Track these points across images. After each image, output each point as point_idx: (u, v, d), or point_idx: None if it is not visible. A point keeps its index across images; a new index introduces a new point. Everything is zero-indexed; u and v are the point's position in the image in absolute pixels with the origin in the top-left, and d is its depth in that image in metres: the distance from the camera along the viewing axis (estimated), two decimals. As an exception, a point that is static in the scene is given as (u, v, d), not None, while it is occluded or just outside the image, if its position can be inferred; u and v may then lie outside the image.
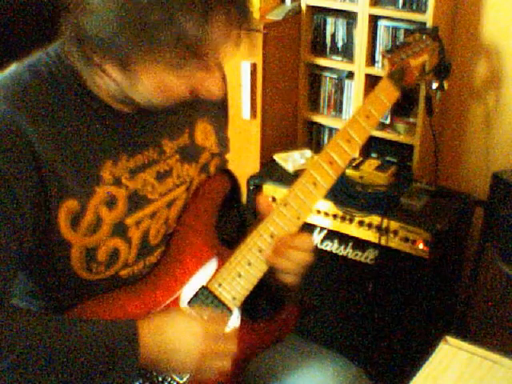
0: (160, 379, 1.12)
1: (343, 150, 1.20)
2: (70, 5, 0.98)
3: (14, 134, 0.98)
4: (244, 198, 2.25)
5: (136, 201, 1.11)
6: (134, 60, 0.97)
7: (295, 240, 1.17)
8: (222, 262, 1.18)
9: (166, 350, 1.05)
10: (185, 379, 1.14)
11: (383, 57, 1.34)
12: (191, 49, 0.96)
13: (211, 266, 1.19)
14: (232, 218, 1.30)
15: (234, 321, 1.19)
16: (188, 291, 1.17)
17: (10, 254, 1.00)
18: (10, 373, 0.95)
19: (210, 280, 1.18)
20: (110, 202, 1.08)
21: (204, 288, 1.17)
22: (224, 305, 1.16)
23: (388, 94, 1.27)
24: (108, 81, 1.03)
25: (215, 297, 1.16)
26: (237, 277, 1.17)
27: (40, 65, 1.05)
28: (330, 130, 2.57)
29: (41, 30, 1.17)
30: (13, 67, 1.06)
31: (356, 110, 1.25)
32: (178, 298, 1.16)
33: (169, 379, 1.13)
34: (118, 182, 1.09)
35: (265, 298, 1.27)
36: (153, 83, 1.01)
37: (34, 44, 1.09)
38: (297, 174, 2.14)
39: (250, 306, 1.21)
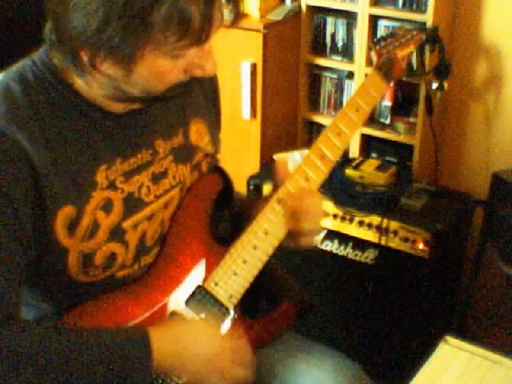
0: (160, 382, 1.12)
1: (334, 144, 1.21)
2: (51, 8, 0.96)
3: (8, 145, 0.98)
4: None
5: (132, 204, 1.11)
6: (127, 49, 0.94)
7: (306, 202, 1.18)
8: (217, 261, 1.18)
9: (179, 357, 1.06)
10: (183, 380, 1.14)
11: (370, 49, 1.35)
12: (191, 33, 0.94)
13: (206, 264, 1.19)
14: (225, 216, 1.30)
15: (228, 320, 1.19)
16: (183, 290, 1.17)
17: (14, 261, 1.00)
18: (25, 382, 0.97)
19: (206, 279, 1.18)
20: (107, 206, 1.07)
21: (200, 287, 1.17)
22: (221, 304, 1.17)
23: (377, 86, 1.28)
24: (101, 78, 1.00)
25: (212, 296, 1.16)
26: (232, 275, 1.17)
27: (27, 74, 1.04)
28: (330, 129, 2.57)
29: (24, 37, 1.15)
30: None
31: (346, 104, 1.25)
32: (166, 304, 1.16)
33: (168, 380, 1.13)
34: (112, 185, 1.08)
35: (261, 295, 1.27)
36: (149, 70, 0.98)
37: (18, 51, 1.08)
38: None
39: (246, 304, 1.21)
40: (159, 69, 0.99)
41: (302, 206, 1.17)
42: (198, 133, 1.23)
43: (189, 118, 1.22)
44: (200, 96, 1.26)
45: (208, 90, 1.28)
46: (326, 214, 1.22)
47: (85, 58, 0.97)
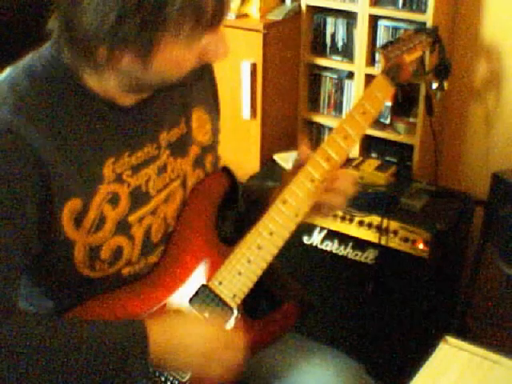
0: (162, 379, 1.12)
1: (340, 147, 1.22)
2: (61, 10, 0.96)
3: (14, 137, 0.98)
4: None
5: (138, 197, 1.12)
6: (144, 43, 0.95)
7: (338, 174, 1.20)
8: (221, 261, 1.18)
9: (175, 347, 1.05)
10: (186, 378, 1.14)
11: (378, 53, 1.35)
12: (206, 19, 0.96)
13: (210, 264, 1.19)
14: (231, 216, 1.30)
15: (232, 320, 1.19)
16: (186, 289, 1.17)
17: (14, 257, 1.00)
18: (24, 376, 0.97)
19: (210, 278, 1.18)
20: (113, 200, 1.08)
21: (204, 286, 1.17)
22: (224, 303, 1.17)
23: (383, 90, 1.28)
24: (118, 73, 1.02)
25: (216, 295, 1.17)
26: (237, 274, 1.17)
27: (35, 68, 1.05)
28: (330, 129, 2.57)
29: (30, 31, 1.16)
30: (7, 71, 1.05)
31: (352, 107, 1.26)
32: (167, 303, 1.16)
33: (171, 378, 1.13)
34: (119, 179, 1.09)
35: (263, 296, 1.27)
36: (165, 61, 0.99)
37: (24, 45, 1.08)
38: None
39: (248, 304, 1.21)
40: (176, 58, 1.00)
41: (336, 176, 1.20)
42: (199, 121, 1.24)
43: (191, 106, 1.23)
44: (199, 84, 1.26)
45: (206, 79, 1.29)
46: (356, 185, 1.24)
47: (101, 56, 0.98)
